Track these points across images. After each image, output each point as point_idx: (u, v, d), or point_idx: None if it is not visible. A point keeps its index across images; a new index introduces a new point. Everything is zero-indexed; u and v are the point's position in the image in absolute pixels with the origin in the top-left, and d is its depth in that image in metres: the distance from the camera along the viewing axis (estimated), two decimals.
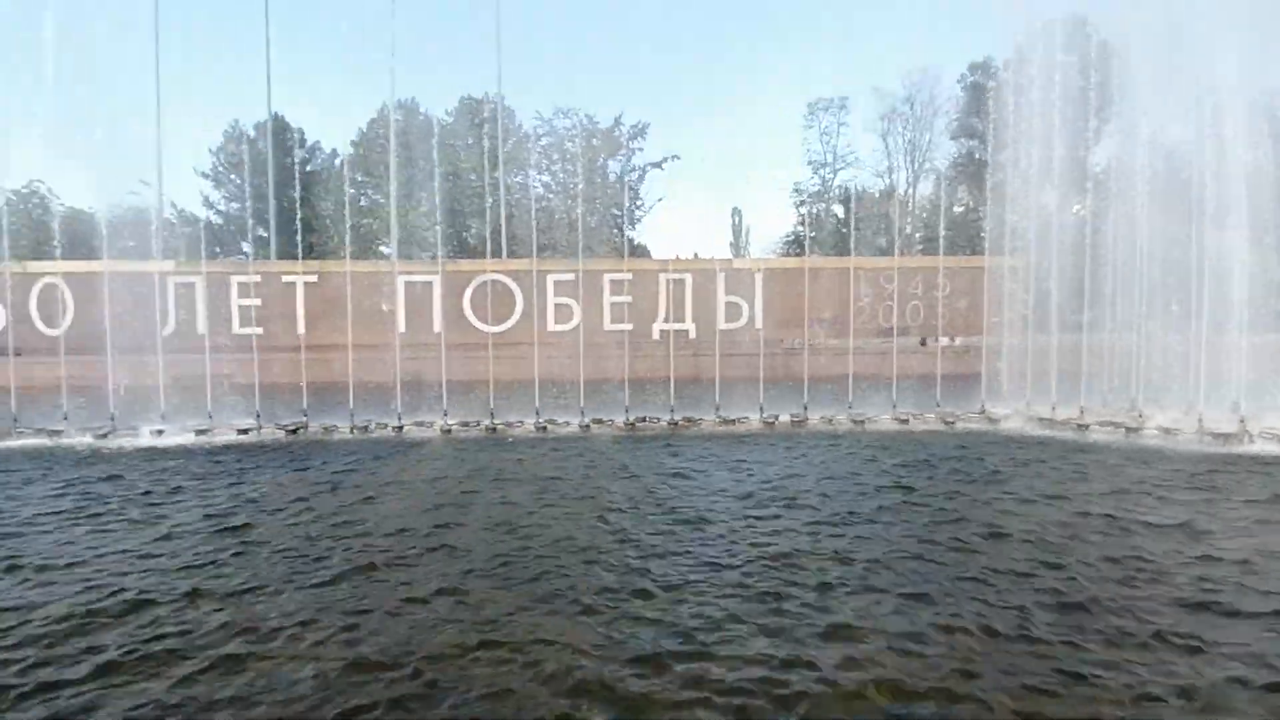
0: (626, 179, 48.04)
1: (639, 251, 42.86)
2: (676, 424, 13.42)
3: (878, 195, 48.26)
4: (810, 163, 51.35)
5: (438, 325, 21.66)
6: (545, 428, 13.14)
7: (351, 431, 12.90)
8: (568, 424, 13.37)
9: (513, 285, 23.97)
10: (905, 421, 13.44)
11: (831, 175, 51.45)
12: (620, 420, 13.45)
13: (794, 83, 64.17)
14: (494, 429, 13.09)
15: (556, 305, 23.93)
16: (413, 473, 9.40)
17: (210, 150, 46.74)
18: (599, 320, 23.33)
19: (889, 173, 50.97)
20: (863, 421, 13.40)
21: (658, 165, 48.25)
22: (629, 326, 20.11)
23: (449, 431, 12.92)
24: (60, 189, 36.89)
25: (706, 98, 63.40)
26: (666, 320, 23.98)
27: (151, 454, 11.05)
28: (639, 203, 48.69)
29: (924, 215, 44.60)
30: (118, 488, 8.46)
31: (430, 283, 23.99)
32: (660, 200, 49.90)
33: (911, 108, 49.05)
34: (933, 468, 9.31)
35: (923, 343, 24.16)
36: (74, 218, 24.52)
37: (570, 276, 23.55)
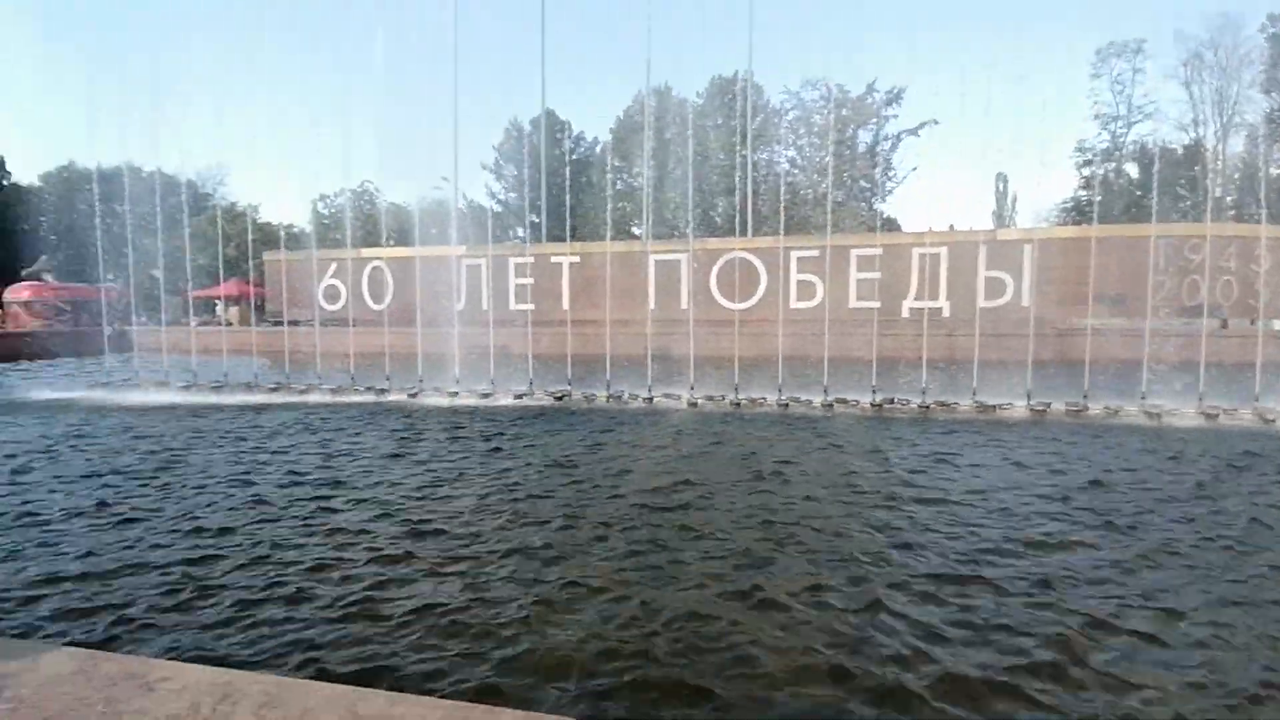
0: (878, 149, 45.63)
1: (889, 225, 40.69)
2: (928, 407, 12.73)
3: (1181, 152, 40.95)
4: (1098, 117, 44.98)
5: (685, 302, 22.47)
6: (787, 405, 13.17)
7: (608, 400, 13.94)
8: (810, 402, 13.27)
9: (757, 262, 24.08)
10: (1214, 416, 11.47)
11: (1124, 130, 44.62)
12: (866, 401, 13.07)
13: (1076, 28, 56.19)
14: (738, 404, 13.39)
15: (799, 282, 23.64)
16: (668, 440, 9.99)
17: (493, 146, 52.32)
18: (844, 297, 22.66)
19: (1194, 126, 43.03)
20: (1159, 415, 11.65)
21: (913, 132, 45.15)
22: (876, 304, 19.30)
23: (695, 405, 13.46)
24: (385, 187, 43.56)
25: (969, 53, 57.94)
26: (918, 297, 22.62)
27: (453, 411, 12.89)
28: (891, 173, 46.06)
29: (1235, 177, 37.08)
30: (454, 437, 10.05)
31: (679, 261, 24.91)
32: (914, 170, 46.72)
33: (1215, 54, 40.90)
34: (1257, 472, 7.90)
35: (1223, 325, 20.33)
36: (395, 211, 29.00)
37: (814, 253, 23.11)
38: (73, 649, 1.66)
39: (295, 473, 7.85)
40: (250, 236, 35.49)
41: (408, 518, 6.10)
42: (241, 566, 4.94)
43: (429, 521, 5.99)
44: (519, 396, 14.31)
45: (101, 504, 6.49)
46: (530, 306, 21.99)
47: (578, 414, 12.61)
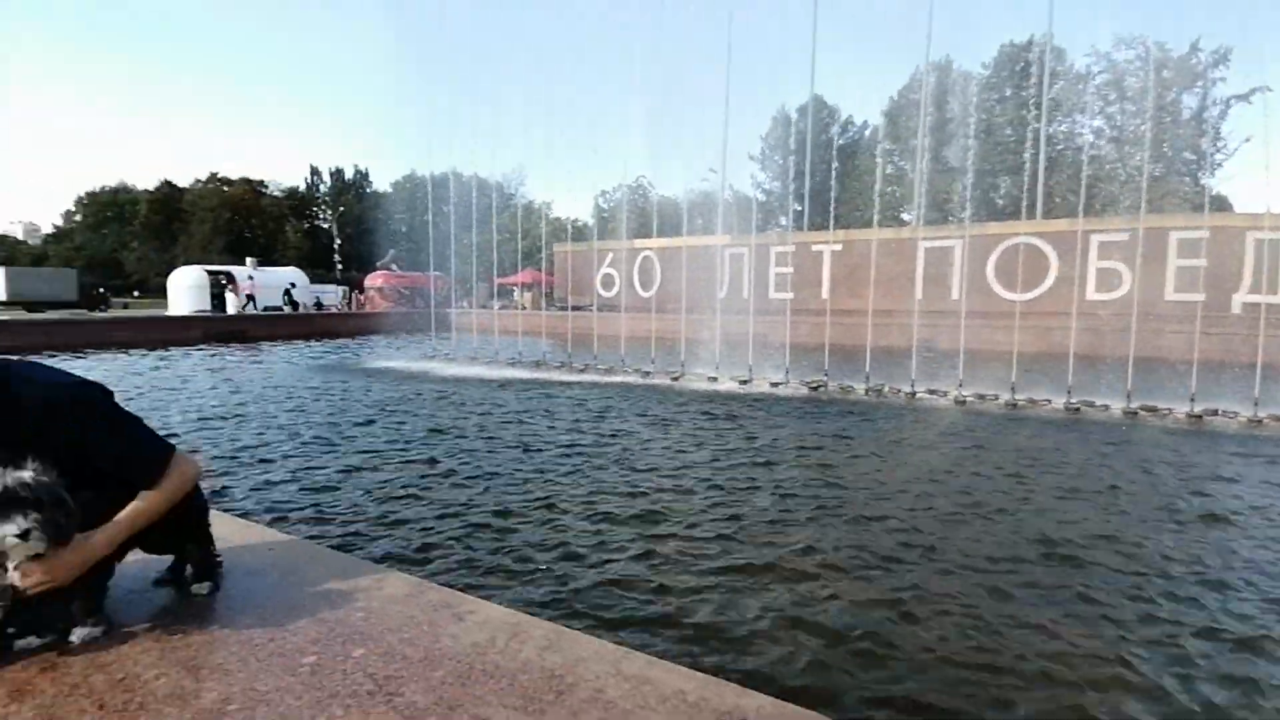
0: (1205, 116, 37.79)
1: (1219, 204, 33.68)
2: (1260, 421, 10.50)
3: None
4: None
5: (956, 292, 20.77)
6: (1078, 410, 11.65)
7: (866, 393, 13.45)
8: (1106, 408, 11.61)
9: (1046, 248, 21.46)
10: None
11: None
12: (1181, 410, 11.12)
13: None
14: (1014, 404, 12.14)
15: (1101, 270, 20.64)
16: (935, 440, 9.44)
17: (760, 137, 52.41)
18: (1159, 288, 19.37)
19: None
20: None
21: (1244, 99, 36.62)
22: (1199, 297, 16.23)
23: (963, 402, 12.47)
24: (657, 181, 45.90)
25: None
26: (1253, 290, 18.59)
27: (712, 396, 13.35)
28: (1220, 144, 37.91)
29: None
30: (714, 418, 10.57)
31: (951, 248, 23.06)
32: (1247, 140, 37.87)
33: None
34: None
35: None
36: (666, 203, 30.55)
37: (1122, 237, 19.99)
38: (406, 576, 2.09)
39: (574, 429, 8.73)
40: (544, 230, 39.56)
41: (718, 502, 6.50)
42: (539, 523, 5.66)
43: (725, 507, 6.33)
44: (775, 384, 14.35)
45: (432, 460, 7.79)
46: (789, 295, 21.85)
47: (832, 404, 12.35)
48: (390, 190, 72.86)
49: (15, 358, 1.69)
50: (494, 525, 5.51)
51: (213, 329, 26.32)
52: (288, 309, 36.27)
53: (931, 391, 13.13)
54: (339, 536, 5.16)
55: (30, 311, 34.46)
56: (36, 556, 1.49)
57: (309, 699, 1.37)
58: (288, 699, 1.37)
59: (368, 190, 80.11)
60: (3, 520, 1.44)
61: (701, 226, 26.35)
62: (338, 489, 6.52)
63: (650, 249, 28.77)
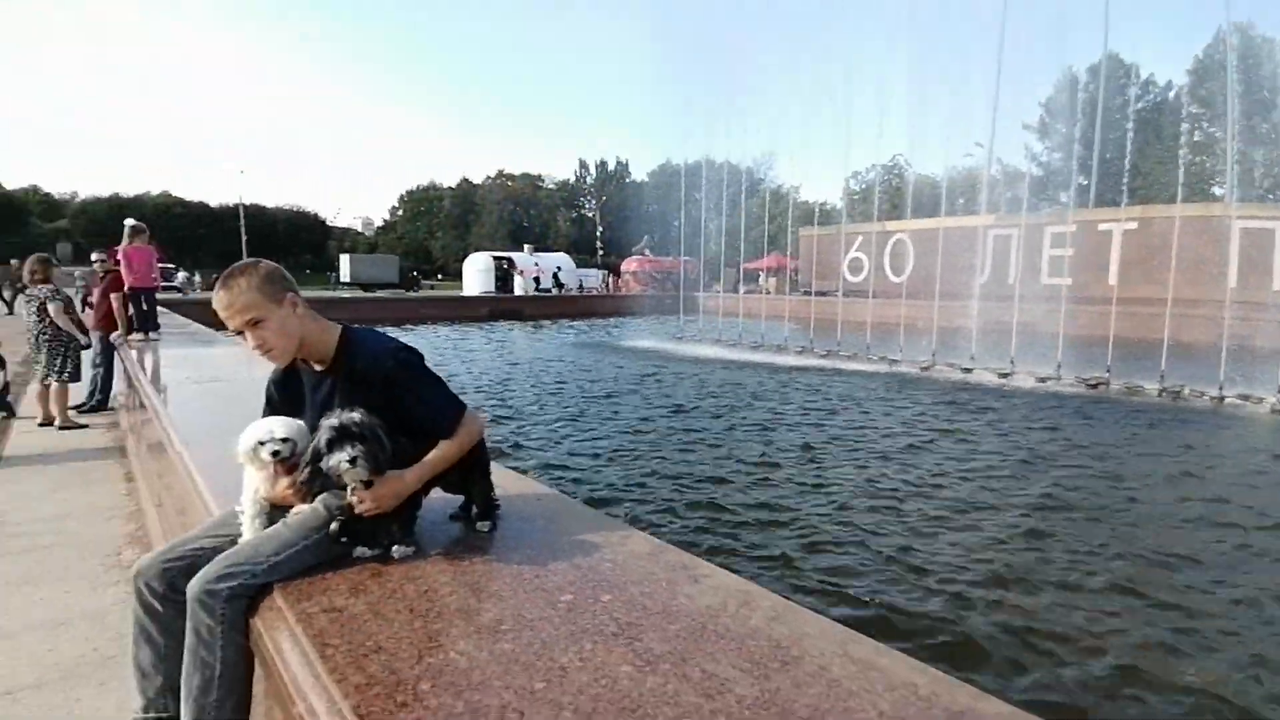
0: None
1: None
2: None
3: None
4: None
5: None
6: None
7: (1159, 395, 11.52)
8: None
9: None
10: None
11: None
12: None
13: None
14: None
15: None
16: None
17: (1039, 103, 46.51)
18: None
19: None
20: None
21: None
22: None
23: None
24: (914, 159, 42.94)
25: None
26: None
27: (966, 387, 12.33)
28: None
29: None
30: (965, 410, 9.87)
31: (1273, 229, 18.77)
32: None
33: None
34: None
35: None
36: (923, 182, 28.50)
37: None
38: (647, 536, 2.24)
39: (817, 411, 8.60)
40: (790, 214, 38.99)
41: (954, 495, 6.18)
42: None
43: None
44: (1043, 380, 12.83)
45: (669, 433, 8.17)
46: (1066, 281, 19.29)
47: (1116, 406, 10.75)
48: (646, 179, 76.47)
49: (357, 325, 2.10)
50: (721, 500, 5.65)
51: (497, 307, 29.82)
52: (555, 291, 39.78)
53: (1244, 397, 10.88)
54: (588, 494, 5.62)
55: (364, 291, 41.70)
56: (367, 484, 1.86)
57: (565, 631, 1.55)
58: (548, 628, 1.56)
59: (627, 180, 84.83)
60: (338, 449, 1.81)
61: (963, 206, 24.19)
62: (590, 454, 7.10)
63: (903, 231, 27.04)
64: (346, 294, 40.21)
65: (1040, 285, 21.17)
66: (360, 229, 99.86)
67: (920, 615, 3.79)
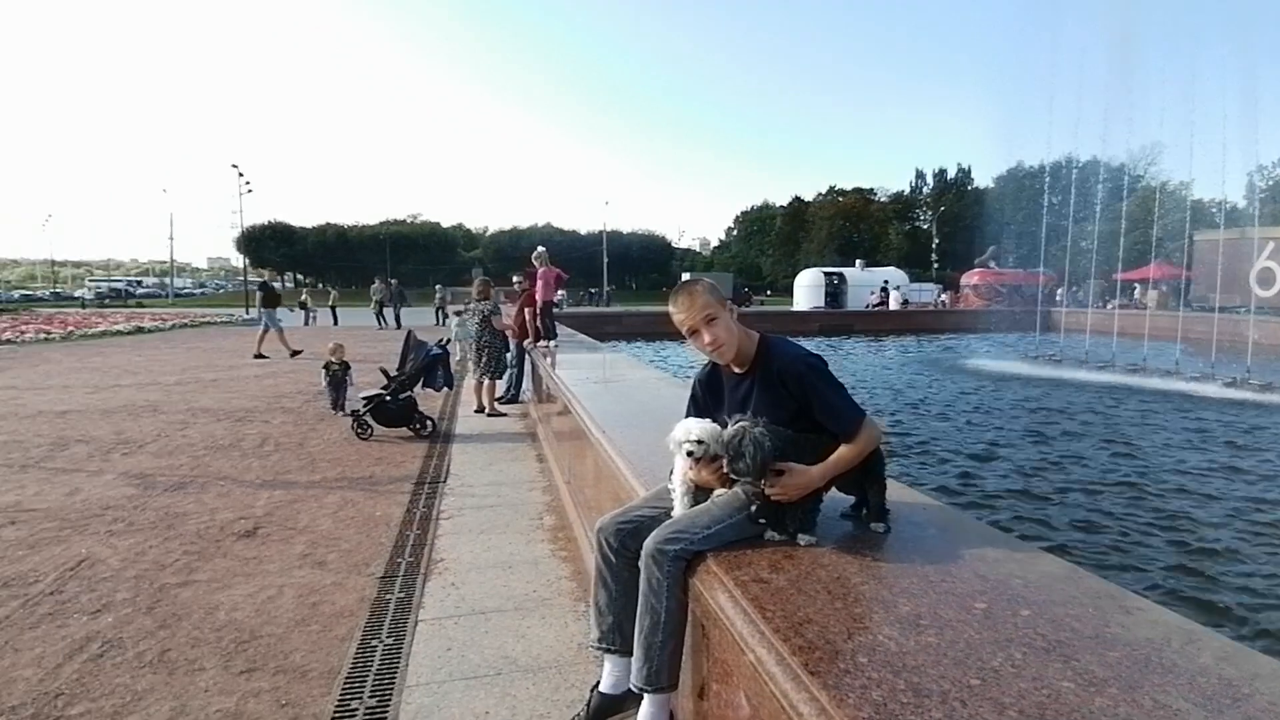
0: None
1: None
2: None
3: None
4: None
5: None
6: None
7: None
8: None
9: None
10: None
11: None
12: None
13: None
14: None
15: None
16: None
17: None
18: None
19: None
20: None
21: None
22: None
23: None
24: None
25: None
26: None
27: None
28: None
29: None
30: None
31: None
32: None
33: None
34: None
35: None
36: None
37: None
38: (1057, 559, 2.10)
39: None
40: (1186, 216, 32.12)
41: None
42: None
43: None
44: None
45: (1040, 460, 7.33)
46: None
47: None
48: (991, 185, 69.34)
49: (774, 335, 2.33)
50: (1119, 540, 4.91)
51: (827, 322, 29.57)
52: (879, 308, 38.08)
53: None
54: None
55: None
56: (779, 474, 2.06)
57: (988, 636, 1.54)
58: (968, 630, 1.57)
59: (968, 188, 77.97)
60: (748, 447, 2.04)
61: None
62: (956, 473, 6.72)
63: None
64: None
65: None
66: (698, 249, 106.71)
67: None
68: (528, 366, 9.87)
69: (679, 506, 2.24)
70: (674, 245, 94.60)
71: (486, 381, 8.92)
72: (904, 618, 1.64)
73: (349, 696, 2.77)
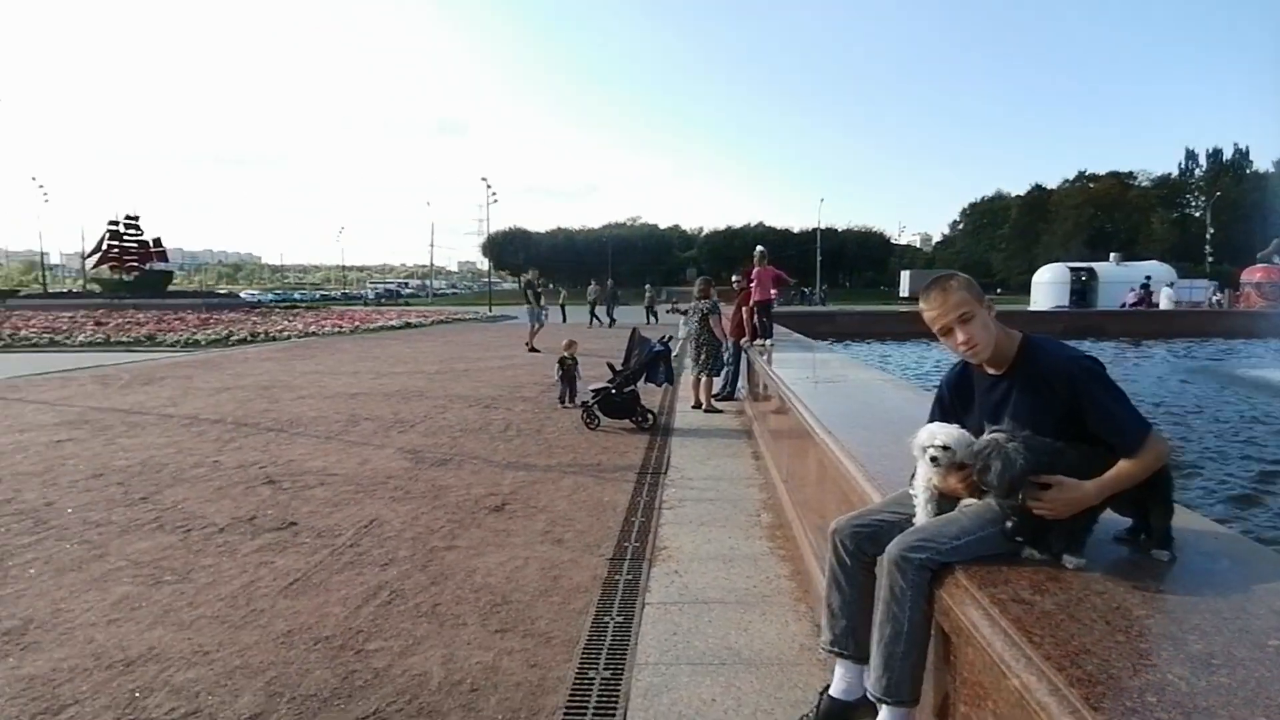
0: None
1: None
2: None
3: None
4: None
5: None
6: None
7: None
8: None
9: None
10: None
11: None
12: None
13: None
14: None
15: None
16: None
17: None
18: None
19: None
20: None
21: None
22: None
23: None
24: None
25: None
26: None
27: None
28: None
29: None
30: None
31: None
32: None
33: None
34: None
35: None
36: None
37: None
38: None
39: None
40: None
41: None
42: None
43: None
44: None
45: None
46: None
47: None
48: (1272, 169, 56.88)
49: (1039, 335, 2.12)
50: None
51: (1074, 324, 26.21)
52: (1137, 307, 32.78)
53: None
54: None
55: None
56: (1044, 487, 1.87)
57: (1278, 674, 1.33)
58: (1260, 669, 1.37)
59: (1247, 171, 64.73)
60: (1004, 460, 1.86)
61: None
62: (1233, 496, 5.67)
63: None
64: (904, 308, 40.68)
65: None
66: (919, 245, 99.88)
67: None
68: (743, 364, 9.90)
69: (921, 514, 2.12)
70: (892, 241, 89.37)
71: (704, 378, 9.09)
72: (1195, 656, 1.42)
73: (586, 666, 2.98)
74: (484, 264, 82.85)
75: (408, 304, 58.58)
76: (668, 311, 36.82)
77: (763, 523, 4.87)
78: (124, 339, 20.96)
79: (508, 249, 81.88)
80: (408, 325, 28.72)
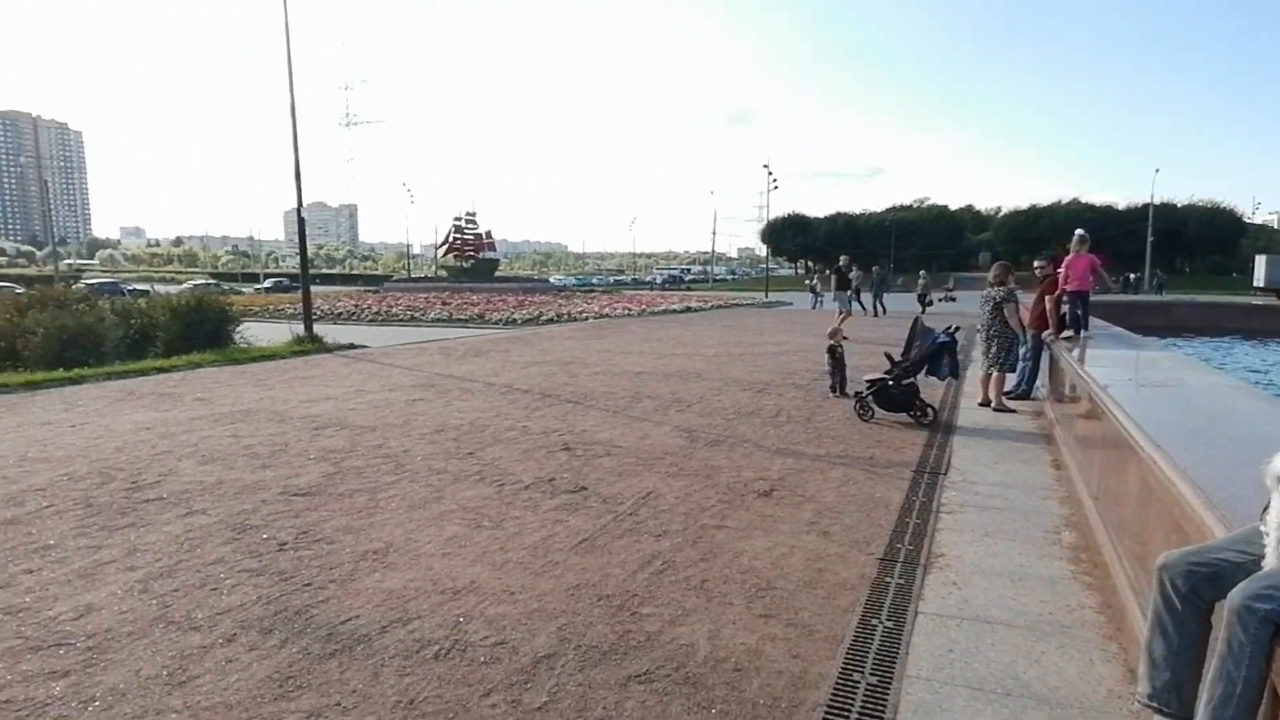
0: None
1: None
2: None
3: None
4: None
5: None
6: None
7: None
8: None
9: None
10: None
11: None
12: None
13: None
14: None
15: None
16: None
17: None
18: None
19: None
20: None
21: None
22: None
23: None
24: None
25: None
26: None
27: None
28: None
29: None
30: None
31: None
32: None
33: None
34: None
35: None
36: None
37: None
38: None
39: None
40: None
41: None
42: None
43: None
44: None
45: None
46: None
47: None
48: None
49: None
50: None
51: None
52: None
53: None
54: None
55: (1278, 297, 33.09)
56: None
57: None
58: None
59: None
60: None
61: None
62: None
63: None
64: (1260, 300, 32.25)
65: None
66: (1278, 225, 78.16)
67: None
68: (1044, 361, 8.69)
69: (1272, 556, 1.69)
70: (1245, 220, 70.97)
71: (995, 374, 8.16)
72: None
73: (850, 668, 2.88)
74: (762, 250, 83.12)
75: (689, 289, 61.14)
76: (940, 300, 33.47)
77: (1063, 541, 4.25)
78: (462, 317, 25.03)
79: (785, 235, 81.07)
80: (688, 309, 30.03)
